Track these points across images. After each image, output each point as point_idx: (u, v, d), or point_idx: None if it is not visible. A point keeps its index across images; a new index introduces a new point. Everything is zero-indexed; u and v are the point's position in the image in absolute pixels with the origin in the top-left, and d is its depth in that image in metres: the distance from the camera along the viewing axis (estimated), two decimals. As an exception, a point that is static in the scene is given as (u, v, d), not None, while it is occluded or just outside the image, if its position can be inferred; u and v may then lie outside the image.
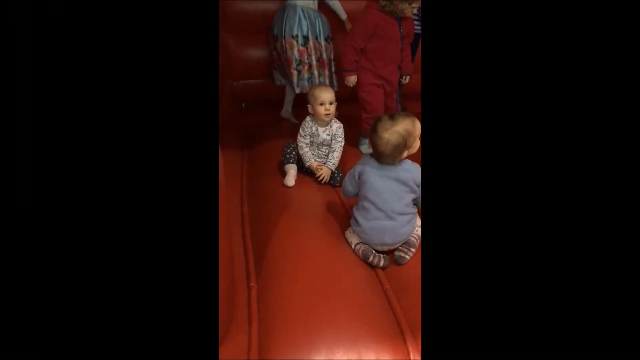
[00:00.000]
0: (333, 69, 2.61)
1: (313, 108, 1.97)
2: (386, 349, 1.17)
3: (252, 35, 2.71)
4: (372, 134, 1.48)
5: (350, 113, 2.44)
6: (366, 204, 1.52)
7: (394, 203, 1.49)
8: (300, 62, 2.48)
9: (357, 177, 1.56)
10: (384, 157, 1.48)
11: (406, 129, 1.45)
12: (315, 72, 2.51)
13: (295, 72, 2.49)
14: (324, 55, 2.53)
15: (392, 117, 1.48)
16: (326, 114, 1.94)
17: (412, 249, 1.52)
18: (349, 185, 1.61)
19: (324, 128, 2.01)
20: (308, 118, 2.03)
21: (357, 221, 1.54)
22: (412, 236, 1.55)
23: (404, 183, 1.49)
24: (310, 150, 2.04)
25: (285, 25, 2.43)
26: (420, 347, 1.20)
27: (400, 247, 1.53)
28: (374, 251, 1.52)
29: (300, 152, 2.03)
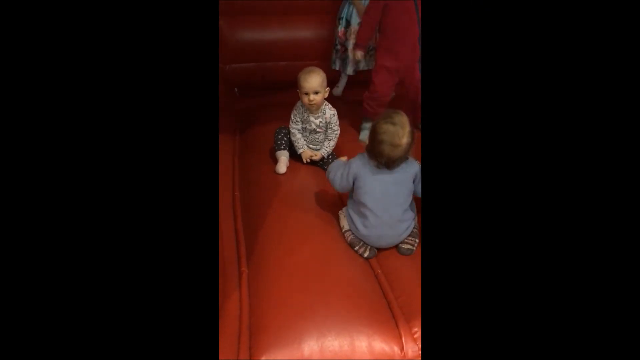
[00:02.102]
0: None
1: (300, 95, 1.92)
2: (378, 333, 1.17)
3: (244, 17, 2.67)
4: (382, 146, 1.40)
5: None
6: (363, 209, 1.47)
7: (393, 210, 1.45)
8: (337, 43, 2.61)
9: (351, 181, 1.50)
10: (400, 162, 1.43)
11: (409, 124, 1.42)
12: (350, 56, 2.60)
13: (333, 52, 2.65)
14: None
15: (394, 121, 1.41)
16: (310, 104, 1.89)
17: (416, 240, 1.51)
18: (338, 180, 1.54)
19: (316, 115, 1.96)
20: (299, 103, 1.98)
21: (355, 226, 1.49)
22: (416, 227, 1.54)
23: (402, 184, 1.46)
24: (303, 136, 2.01)
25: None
26: (412, 332, 1.20)
27: (406, 240, 1.51)
28: (362, 241, 1.51)
29: (293, 138, 1.99)
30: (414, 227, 1.53)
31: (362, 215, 1.47)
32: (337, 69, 2.71)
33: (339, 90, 2.78)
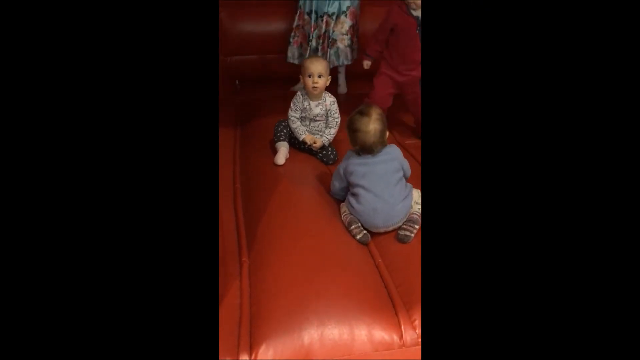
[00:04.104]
0: (333, 45, 2.64)
1: (303, 80, 1.94)
2: (378, 322, 1.18)
3: (246, 8, 2.66)
4: (356, 134, 1.57)
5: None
6: (356, 190, 1.56)
7: (382, 184, 1.53)
8: (296, 34, 2.61)
9: (342, 173, 1.62)
10: (375, 146, 1.56)
11: (379, 113, 1.58)
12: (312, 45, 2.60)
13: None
14: (326, 32, 2.59)
15: (362, 112, 1.59)
16: (314, 87, 1.91)
17: (416, 226, 1.52)
18: (336, 181, 1.67)
19: (316, 102, 1.97)
20: (299, 92, 1.99)
21: (351, 206, 1.56)
22: (415, 213, 1.55)
23: (387, 163, 1.56)
24: (303, 124, 2.01)
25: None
26: (412, 320, 1.20)
27: (403, 226, 1.53)
28: (359, 222, 1.54)
29: (292, 126, 1.99)
30: (413, 212, 1.55)
31: (356, 195, 1.56)
32: (295, 62, 2.68)
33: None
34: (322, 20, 2.55)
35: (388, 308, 1.24)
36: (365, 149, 1.57)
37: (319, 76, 1.90)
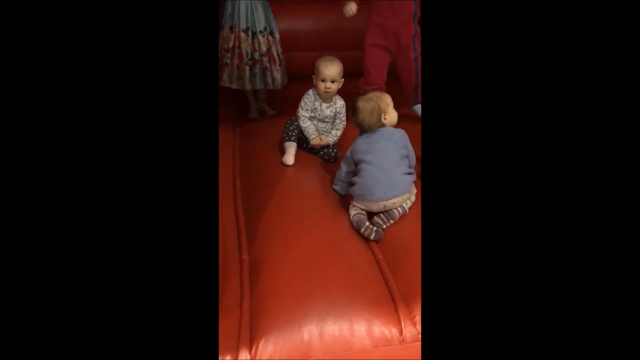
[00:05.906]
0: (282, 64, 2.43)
1: (315, 82, 1.93)
2: (378, 317, 1.18)
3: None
4: (351, 112, 1.66)
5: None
6: (360, 165, 1.60)
7: (383, 156, 1.57)
8: (251, 57, 2.32)
9: (349, 155, 1.66)
10: (368, 124, 1.62)
11: (375, 95, 1.64)
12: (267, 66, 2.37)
13: (247, 68, 2.34)
14: (273, 51, 2.37)
15: (364, 94, 1.68)
16: (326, 91, 1.91)
17: (391, 220, 1.55)
18: (344, 164, 1.69)
19: (327, 104, 1.97)
20: (311, 92, 1.98)
21: (353, 183, 1.60)
22: (396, 208, 1.57)
23: (388, 140, 1.60)
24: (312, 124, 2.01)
25: (238, 17, 2.28)
26: (412, 316, 1.21)
27: (381, 215, 1.55)
28: (367, 223, 1.53)
29: (303, 125, 1.98)
30: (400, 207, 1.58)
31: (359, 171, 1.59)
32: (236, 87, 2.35)
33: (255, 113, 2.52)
34: (264, 36, 2.31)
35: (388, 304, 1.24)
36: (362, 127, 1.64)
37: (332, 81, 1.89)
